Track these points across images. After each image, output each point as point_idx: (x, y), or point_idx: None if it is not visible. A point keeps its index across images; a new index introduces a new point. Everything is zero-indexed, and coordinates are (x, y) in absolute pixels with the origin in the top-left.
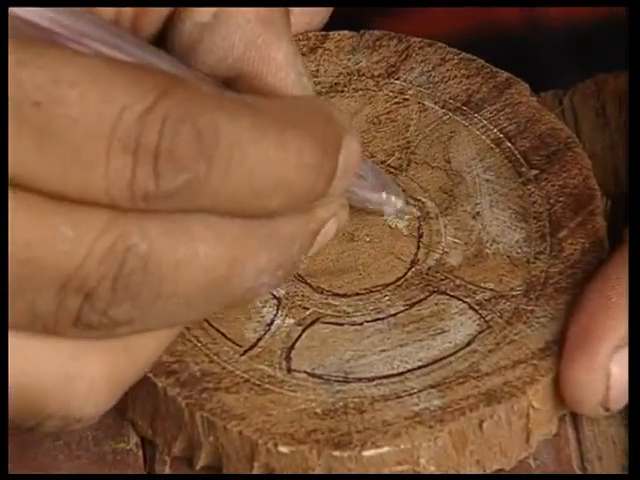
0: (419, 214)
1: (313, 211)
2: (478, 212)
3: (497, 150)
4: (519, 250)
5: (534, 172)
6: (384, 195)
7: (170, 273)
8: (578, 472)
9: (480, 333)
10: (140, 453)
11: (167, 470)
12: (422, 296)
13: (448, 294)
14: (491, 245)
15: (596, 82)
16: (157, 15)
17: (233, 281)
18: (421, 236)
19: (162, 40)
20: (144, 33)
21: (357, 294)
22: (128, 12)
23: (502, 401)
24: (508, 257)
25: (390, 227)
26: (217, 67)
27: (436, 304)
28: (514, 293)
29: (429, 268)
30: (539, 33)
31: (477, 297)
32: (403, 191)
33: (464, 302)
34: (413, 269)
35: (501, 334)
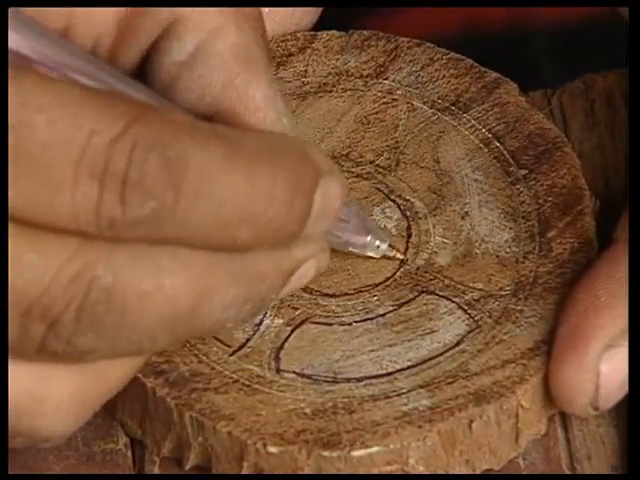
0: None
1: (289, 251)
2: (467, 212)
3: (486, 150)
4: (508, 250)
5: (523, 172)
6: (368, 239)
7: (134, 304)
8: (567, 472)
9: (469, 333)
10: (129, 453)
11: (156, 470)
12: (411, 296)
13: (437, 294)
14: (480, 245)
15: (585, 82)
16: (135, 48)
17: (199, 314)
18: (410, 236)
19: (141, 76)
20: (121, 65)
21: (346, 294)
22: (107, 42)
23: (491, 401)
24: (497, 257)
25: (379, 227)
26: (196, 105)
27: (425, 304)
28: (503, 293)
29: (418, 268)
30: (527, 33)
31: (466, 297)
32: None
33: (453, 302)
34: (402, 269)
35: (490, 334)
